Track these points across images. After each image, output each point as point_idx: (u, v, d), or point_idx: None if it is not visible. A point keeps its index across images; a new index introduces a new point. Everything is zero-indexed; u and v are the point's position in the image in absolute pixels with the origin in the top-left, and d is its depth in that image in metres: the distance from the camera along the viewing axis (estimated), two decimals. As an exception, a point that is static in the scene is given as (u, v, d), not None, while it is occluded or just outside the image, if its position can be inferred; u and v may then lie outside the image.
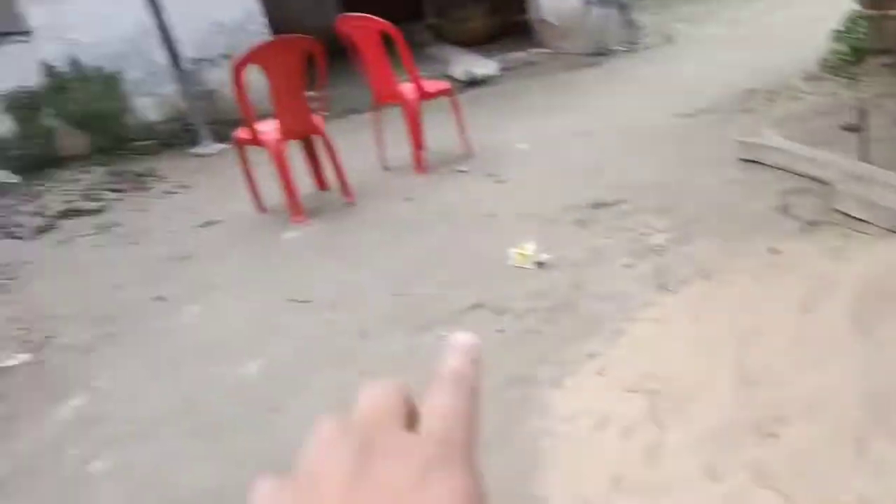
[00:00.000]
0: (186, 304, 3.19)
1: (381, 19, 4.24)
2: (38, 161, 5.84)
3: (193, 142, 5.98)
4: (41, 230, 4.28)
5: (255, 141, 3.96)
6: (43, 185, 5.06)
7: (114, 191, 4.84)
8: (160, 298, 3.27)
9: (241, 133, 4.06)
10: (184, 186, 4.91)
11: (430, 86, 4.65)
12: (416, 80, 4.44)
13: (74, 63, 6.10)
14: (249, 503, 0.27)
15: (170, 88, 6.38)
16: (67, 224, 4.36)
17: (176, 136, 6.13)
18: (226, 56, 6.64)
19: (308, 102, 4.07)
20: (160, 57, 6.26)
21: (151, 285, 3.43)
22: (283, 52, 3.87)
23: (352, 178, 4.26)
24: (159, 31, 5.63)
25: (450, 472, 0.26)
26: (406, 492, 0.25)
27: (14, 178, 5.58)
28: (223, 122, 6.51)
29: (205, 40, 6.56)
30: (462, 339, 0.32)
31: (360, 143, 5.33)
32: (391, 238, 3.66)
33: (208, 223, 4.17)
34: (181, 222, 4.25)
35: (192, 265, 3.62)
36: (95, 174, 5.07)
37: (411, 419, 0.29)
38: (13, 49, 5.93)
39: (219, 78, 6.61)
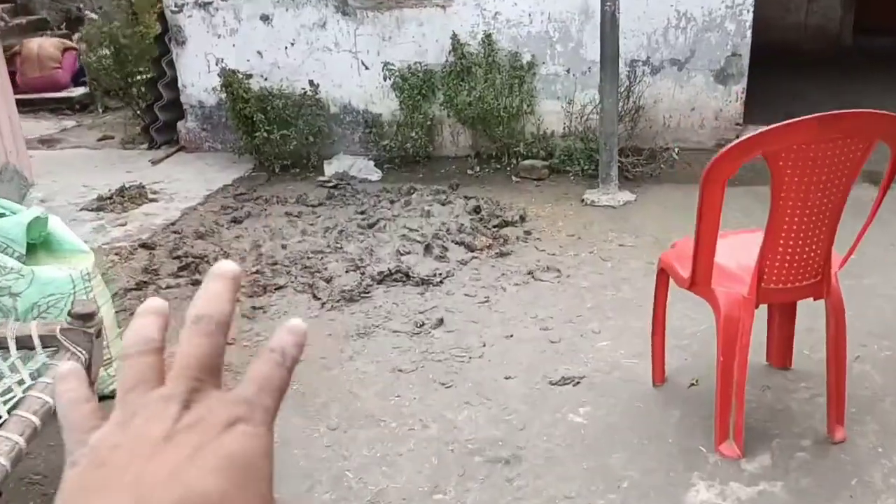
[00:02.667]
0: None
1: None
2: (409, 157, 4.77)
3: (593, 175, 4.33)
4: (348, 297, 2.99)
5: (699, 289, 2.10)
6: (396, 199, 3.86)
7: (465, 246, 3.41)
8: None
9: (676, 259, 2.22)
10: (554, 270, 3.23)
11: None
12: None
13: (487, 41, 4.82)
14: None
15: (587, 95, 4.76)
16: (384, 296, 3.02)
17: (572, 161, 4.53)
18: (677, 64, 4.76)
19: (832, 241, 2.03)
20: (591, 51, 4.65)
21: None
22: (835, 142, 1.85)
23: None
24: (603, 16, 3.95)
25: (252, 429, 0.31)
26: (211, 438, 0.30)
27: (375, 175, 4.57)
28: (639, 153, 4.69)
29: (655, 36, 4.74)
30: (295, 323, 0.35)
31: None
32: None
33: (564, 380, 2.46)
34: (527, 359, 2.60)
35: (508, 486, 1.98)
36: (456, 207, 3.71)
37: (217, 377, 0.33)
38: (432, 15, 4.85)
39: (655, 92, 4.78)
